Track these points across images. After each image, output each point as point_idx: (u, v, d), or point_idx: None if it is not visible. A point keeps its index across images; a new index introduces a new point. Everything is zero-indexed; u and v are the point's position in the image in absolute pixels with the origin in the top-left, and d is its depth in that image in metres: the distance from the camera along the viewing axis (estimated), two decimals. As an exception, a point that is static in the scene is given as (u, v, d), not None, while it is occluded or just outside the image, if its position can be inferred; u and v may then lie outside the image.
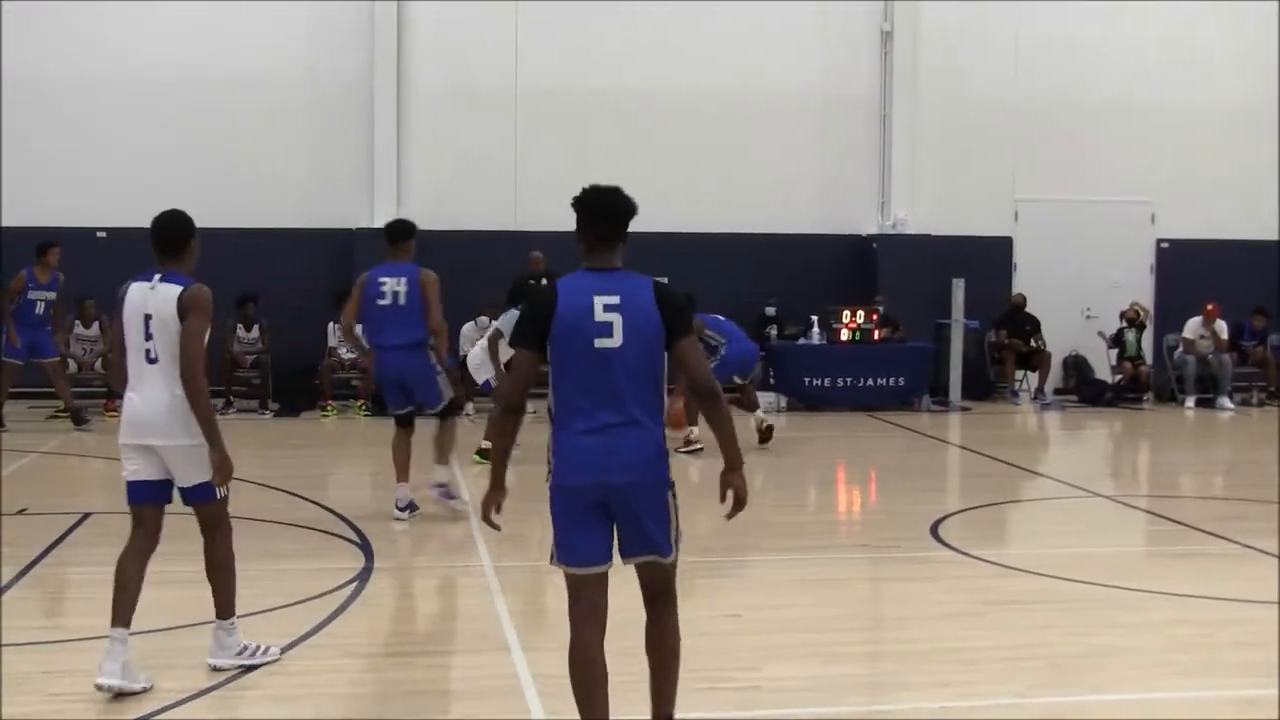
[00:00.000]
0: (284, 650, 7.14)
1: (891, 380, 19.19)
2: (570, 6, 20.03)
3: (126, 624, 6.57)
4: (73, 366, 17.95)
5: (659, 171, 20.13)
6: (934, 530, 10.68)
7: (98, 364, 18.01)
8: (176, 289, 6.55)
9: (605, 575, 5.45)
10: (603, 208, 5.41)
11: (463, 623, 8.28)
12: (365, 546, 9.84)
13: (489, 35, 19.94)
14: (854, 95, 20.89)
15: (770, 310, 20.01)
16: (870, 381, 19.13)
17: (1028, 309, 20.67)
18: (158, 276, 6.65)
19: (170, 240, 6.76)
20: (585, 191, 5.44)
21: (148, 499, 6.74)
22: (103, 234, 18.95)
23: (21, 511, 11.11)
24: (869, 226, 21.04)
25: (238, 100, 19.56)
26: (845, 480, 14.63)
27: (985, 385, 20.36)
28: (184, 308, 6.51)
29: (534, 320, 5.30)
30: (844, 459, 15.84)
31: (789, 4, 20.61)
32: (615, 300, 5.25)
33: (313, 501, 11.74)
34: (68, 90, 19.32)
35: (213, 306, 6.61)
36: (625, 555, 5.45)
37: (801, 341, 19.45)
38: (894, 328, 19.63)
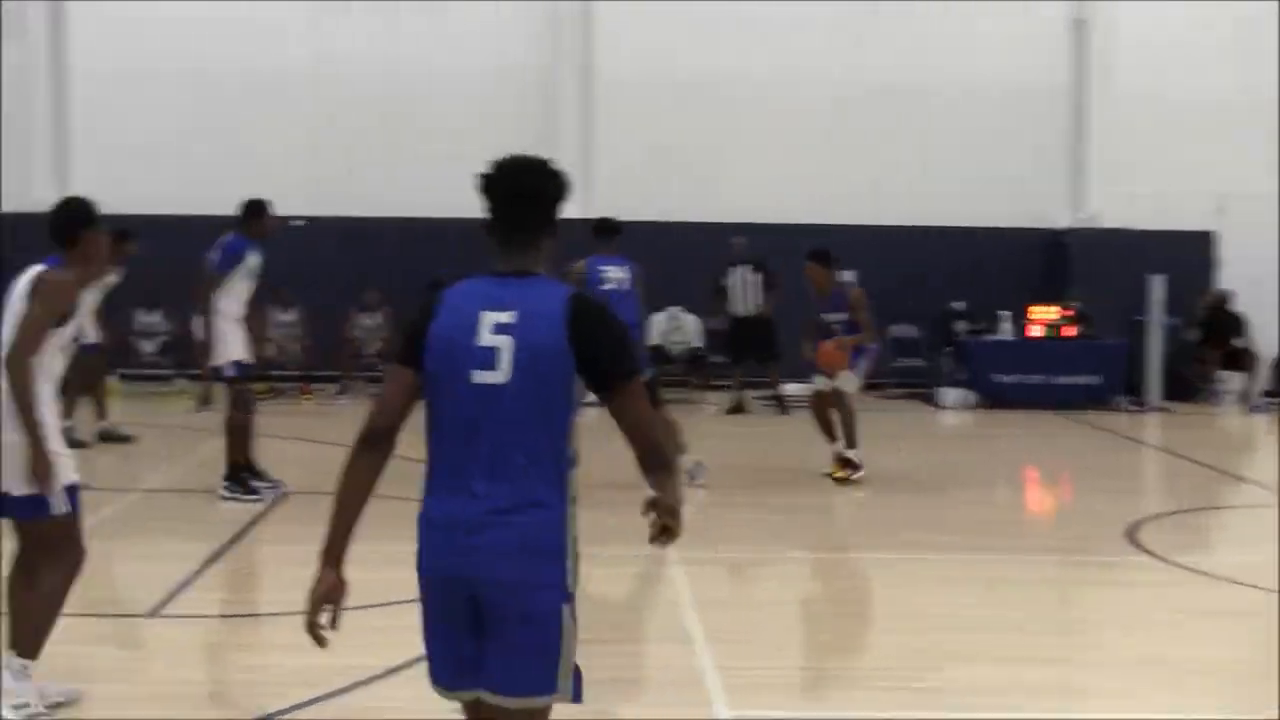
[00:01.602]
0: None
1: (1085, 378, 18.75)
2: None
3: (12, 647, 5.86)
4: (271, 350, 18.45)
5: (846, 163, 20.03)
6: (1129, 534, 10.40)
7: (296, 348, 18.50)
8: (38, 269, 5.85)
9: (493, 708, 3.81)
10: (509, 188, 3.88)
11: (646, 612, 8.32)
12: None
13: (676, 23, 19.95)
14: (1046, 86, 20.45)
15: (959, 305, 19.70)
16: (1063, 379, 18.71)
17: (1234, 307, 19.97)
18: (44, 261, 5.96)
19: (59, 228, 6.07)
20: (494, 163, 3.91)
21: None
22: (299, 222, 19.43)
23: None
24: (1062, 220, 20.58)
25: (429, 92, 19.88)
26: (1035, 480, 14.35)
27: (1185, 385, 19.73)
28: (32, 290, 5.75)
29: (408, 331, 3.90)
30: (1034, 458, 15.51)
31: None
32: (508, 318, 3.74)
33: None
34: (262, 82, 19.84)
35: (69, 302, 5.80)
36: (479, 685, 3.79)
37: (991, 338, 19.11)
38: (1088, 324, 19.18)
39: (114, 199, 19.40)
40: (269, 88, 19.79)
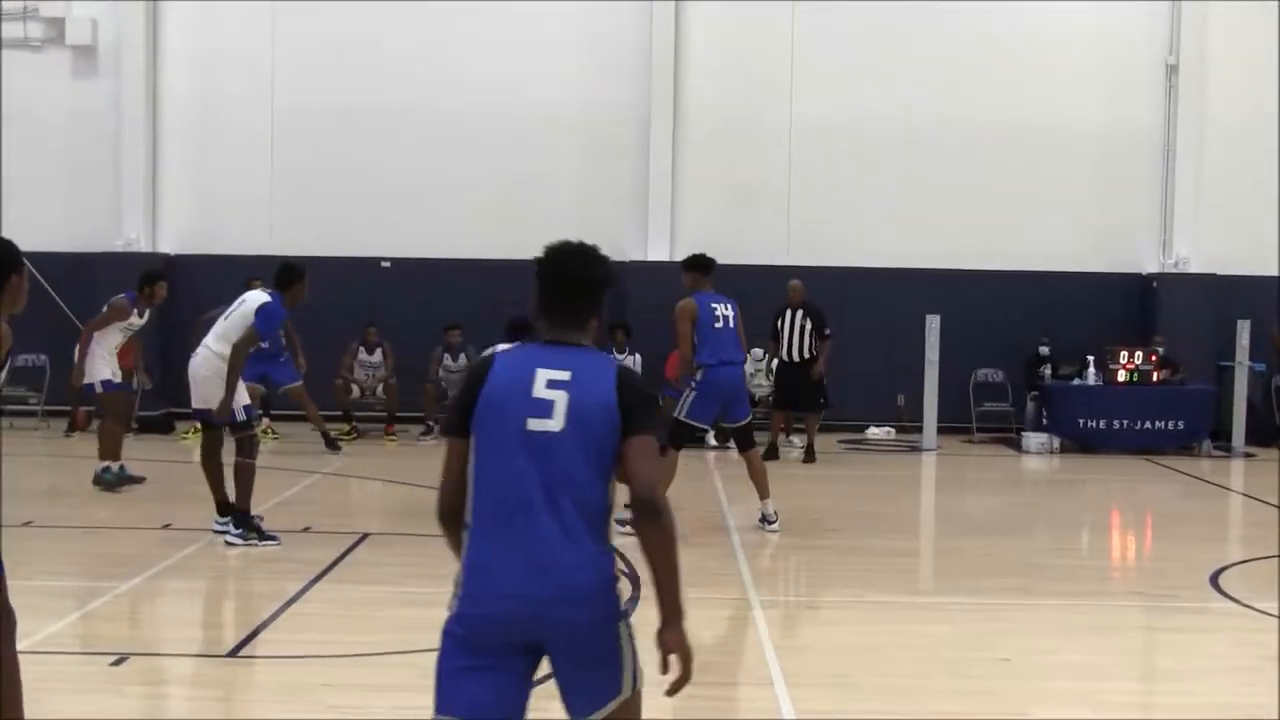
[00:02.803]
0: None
1: (1170, 424, 18.50)
2: (843, 40, 20.02)
3: None
4: (356, 391, 18.63)
5: (931, 207, 20.02)
6: (1214, 580, 10.24)
7: (379, 389, 18.63)
8: None
9: None
10: (565, 274, 4.24)
11: (726, 655, 8.29)
12: (632, 575, 9.95)
13: (764, 66, 20.06)
14: (1135, 130, 20.30)
15: (1044, 350, 19.55)
16: (1148, 424, 18.47)
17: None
18: None
19: None
20: (548, 250, 4.28)
21: None
22: (387, 264, 19.69)
23: (306, 530, 11.58)
24: (1149, 265, 20.38)
25: (518, 132, 20.07)
26: (1120, 525, 14.18)
27: (1273, 431, 19.45)
28: None
29: (458, 399, 4.19)
30: (1119, 503, 15.32)
31: (1069, 38, 20.24)
32: (564, 376, 4.09)
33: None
34: (344, 122, 20.12)
35: (3, 349, 5.31)
36: (575, 713, 4.12)
37: (1076, 382, 18.91)
38: (1174, 369, 18.95)
39: (202, 240, 19.99)
40: (354, 130, 20.06)
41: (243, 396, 11.06)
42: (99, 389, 13.26)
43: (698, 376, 11.70)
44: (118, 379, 13.51)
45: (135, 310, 13.21)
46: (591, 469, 4.05)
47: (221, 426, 11.09)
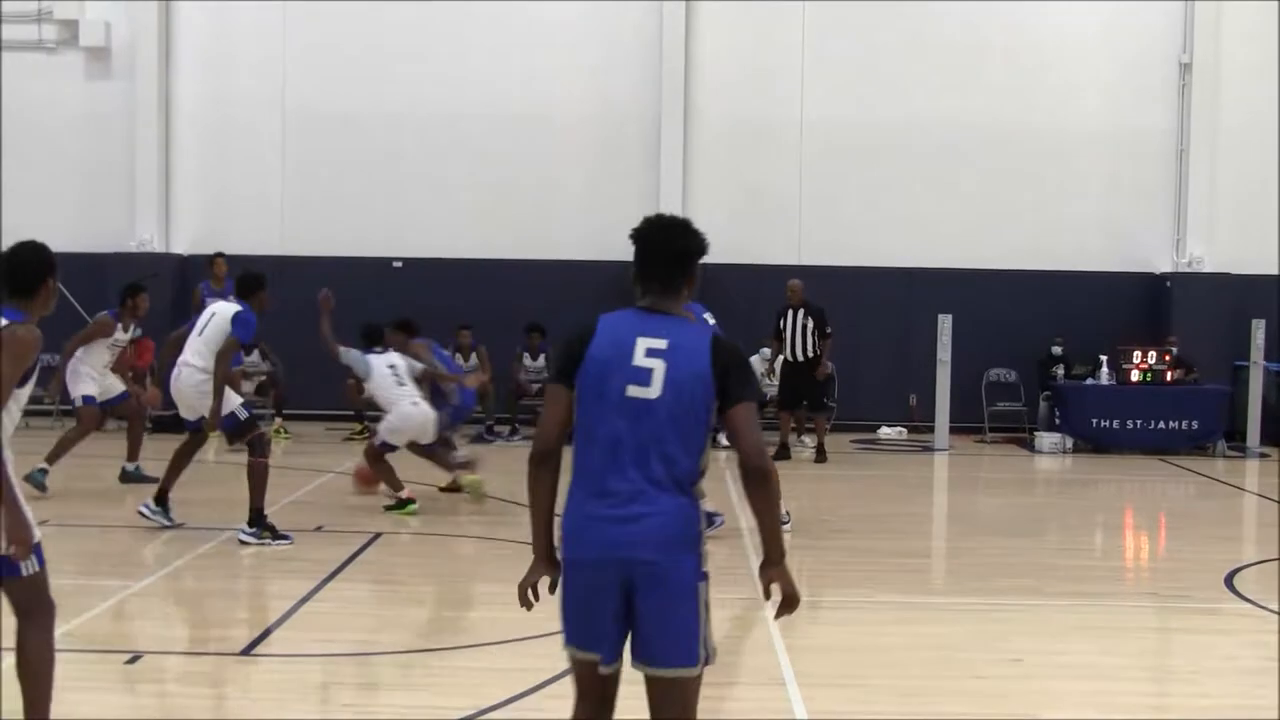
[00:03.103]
0: (568, 670, 7.22)
1: (1184, 424, 18.46)
2: (855, 40, 20.01)
3: None
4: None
5: (944, 207, 20.00)
6: (1228, 581, 10.21)
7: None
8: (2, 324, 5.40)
9: (610, 676, 4.52)
10: (658, 245, 4.55)
11: (740, 655, 8.27)
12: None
13: (775, 66, 20.05)
14: (1148, 130, 20.25)
15: (1057, 349, 19.52)
16: (1161, 424, 18.43)
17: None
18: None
19: (20, 278, 5.57)
20: (645, 223, 4.59)
21: None
22: (398, 264, 19.71)
23: (318, 529, 11.60)
24: (1163, 264, 20.34)
25: (527, 134, 20.08)
26: (1133, 525, 14.14)
27: (1287, 431, 19.39)
28: None
29: (566, 352, 4.52)
30: (1132, 503, 15.30)
31: (1081, 38, 20.20)
32: (661, 344, 4.40)
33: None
34: (354, 123, 20.13)
35: (35, 355, 5.41)
36: (636, 659, 4.45)
37: (1089, 382, 18.88)
38: (1188, 369, 18.91)
39: (215, 241, 20.02)
40: (364, 132, 20.08)
41: (233, 400, 11.14)
42: (79, 403, 13.40)
43: None
44: (103, 396, 13.49)
45: (119, 325, 13.28)
46: (683, 433, 4.38)
47: (211, 434, 11.28)
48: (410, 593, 9.53)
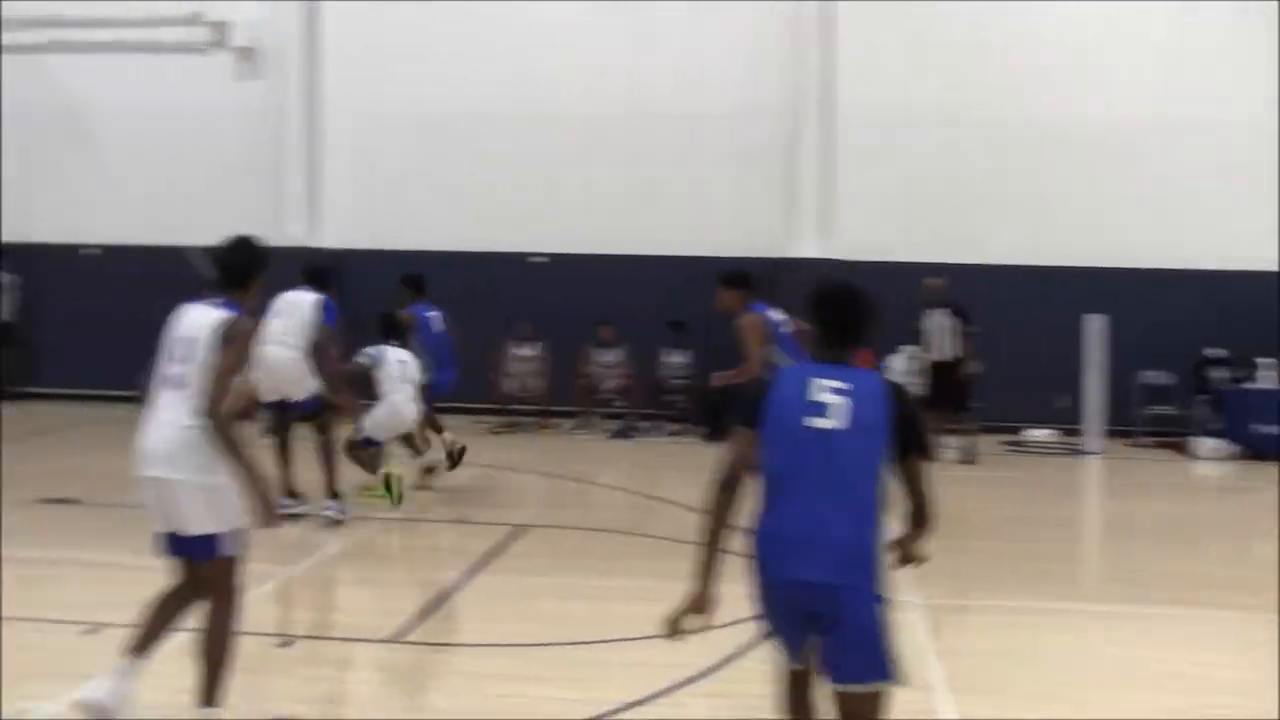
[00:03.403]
0: (714, 667, 7.15)
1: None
2: (1012, 35, 19.59)
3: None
4: (513, 385, 18.71)
5: (1092, 202, 19.50)
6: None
7: (537, 382, 18.72)
8: (225, 314, 5.85)
9: (805, 677, 4.95)
10: (837, 308, 4.98)
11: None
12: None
13: (925, 60, 19.68)
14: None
15: (1215, 352, 18.95)
16: (1329, 431, 17.78)
17: None
18: (214, 302, 5.98)
19: (235, 271, 6.08)
20: (822, 287, 5.05)
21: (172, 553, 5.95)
22: (542, 259, 19.76)
23: (462, 521, 11.68)
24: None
25: (672, 131, 19.99)
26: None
27: None
28: (225, 337, 5.78)
29: (749, 400, 4.90)
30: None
31: (1234, 26, 19.49)
32: (841, 385, 4.76)
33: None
34: (497, 121, 20.19)
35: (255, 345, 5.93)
36: (837, 679, 4.75)
37: (1250, 386, 18.31)
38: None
39: (361, 236, 20.30)
40: (507, 129, 20.14)
41: (312, 385, 11.39)
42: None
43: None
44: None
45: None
46: (863, 464, 4.68)
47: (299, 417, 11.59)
48: (553, 584, 9.52)
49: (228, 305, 5.89)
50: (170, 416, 5.75)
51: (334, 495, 11.38)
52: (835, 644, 4.66)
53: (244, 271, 6.04)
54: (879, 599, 4.65)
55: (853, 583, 4.60)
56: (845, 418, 4.69)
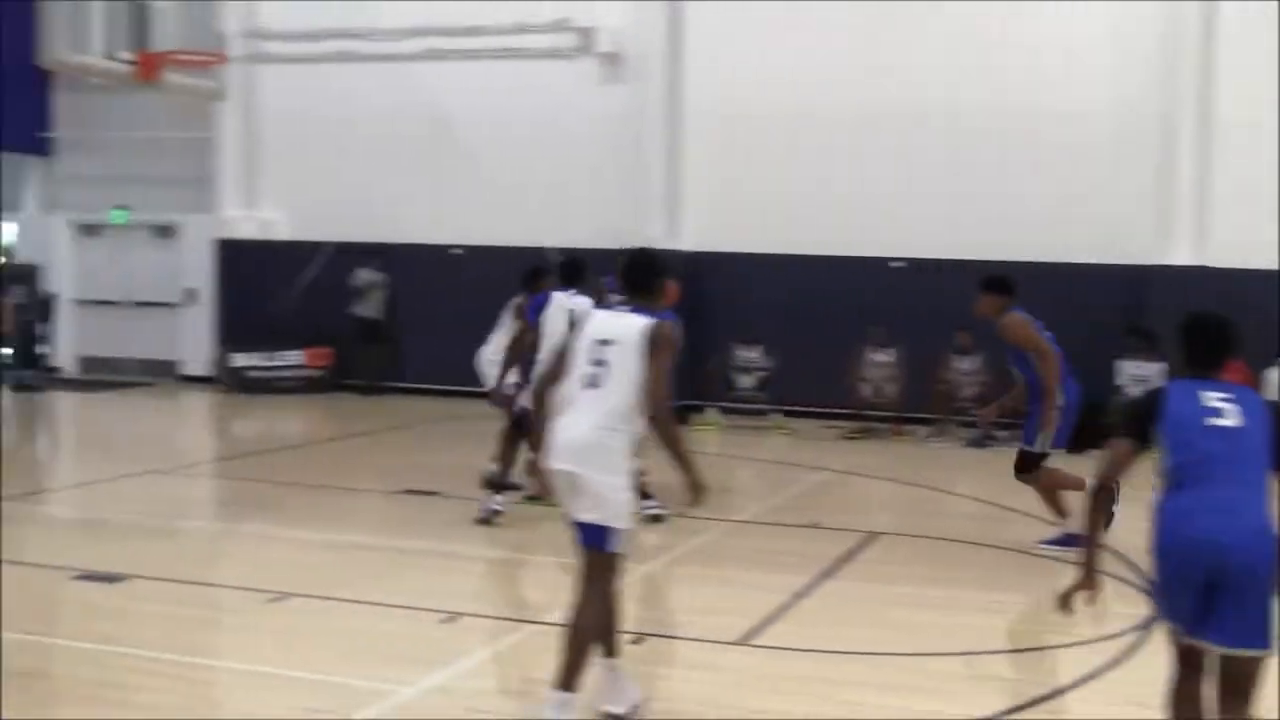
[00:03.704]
0: (1063, 689, 6.94)
1: None
2: None
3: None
4: (867, 390, 18.56)
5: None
6: None
7: (891, 388, 18.53)
8: (647, 321, 6.29)
9: (1197, 667, 5.31)
10: (1210, 335, 5.59)
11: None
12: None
13: None
14: None
15: None
16: None
17: None
18: (627, 308, 6.49)
19: (638, 277, 6.56)
20: (1194, 316, 5.66)
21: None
22: (900, 264, 19.49)
23: (813, 525, 11.65)
24: None
25: (1036, 132, 19.40)
26: None
27: None
28: (653, 343, 6.21)
29: (1142, 410, 5.46)
30: None
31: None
32: (1230, 396, 5.36)
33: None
34: (859, 125, 19.96)
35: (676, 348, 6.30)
36: (1216, 639, 5.19)
37: None
38: None
39: (719, 239, 20.52)
40: (867, 133, 19.87)
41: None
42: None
43: (1059, 402, 10.66)
44: None
45: None
46: (1262, 461, 5.26)
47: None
48: (903, 593, 9.39)
49: (640, 311, 6.36)
50: (587, 417, 6.16)
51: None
52: (1233, 608, 5.07)
53: (650, 279, 6.53)
54: (1276, 576, 5.09)
55: (1260, 557, 5.06)
56: (1241, 420, 5.26)
